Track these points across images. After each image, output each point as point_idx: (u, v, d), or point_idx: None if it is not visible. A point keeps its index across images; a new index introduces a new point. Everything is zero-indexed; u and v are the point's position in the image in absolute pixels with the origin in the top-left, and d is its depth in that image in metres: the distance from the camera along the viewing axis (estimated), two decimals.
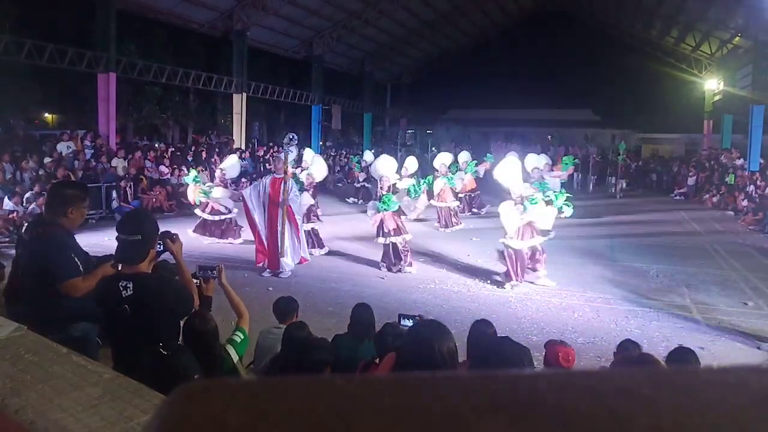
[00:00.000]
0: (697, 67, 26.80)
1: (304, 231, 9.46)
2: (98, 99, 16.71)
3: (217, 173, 11.37)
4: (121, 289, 2.70)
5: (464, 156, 15.36)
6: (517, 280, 8.03)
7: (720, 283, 8.49)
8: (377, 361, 3.47)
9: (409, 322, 3.96)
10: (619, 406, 0.30)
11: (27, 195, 11.51)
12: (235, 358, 3.53)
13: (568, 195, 9.04)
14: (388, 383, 0.34)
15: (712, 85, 26.42)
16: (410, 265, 8.96)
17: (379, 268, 8.96)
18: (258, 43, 22.49)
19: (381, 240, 8.99)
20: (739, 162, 20.41)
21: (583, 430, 0.29)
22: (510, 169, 8.52)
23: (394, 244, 8.92)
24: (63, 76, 18.69)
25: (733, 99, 23.32)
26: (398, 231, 8.95)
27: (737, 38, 21.76)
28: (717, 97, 26.18)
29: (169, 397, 0.32)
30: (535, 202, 8.10)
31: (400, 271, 8.85)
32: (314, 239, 10.20)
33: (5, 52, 14.24)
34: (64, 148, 14.95)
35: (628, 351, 3.97)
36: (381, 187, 9.32)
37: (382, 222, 8.91)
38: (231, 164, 11.43)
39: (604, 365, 5.10)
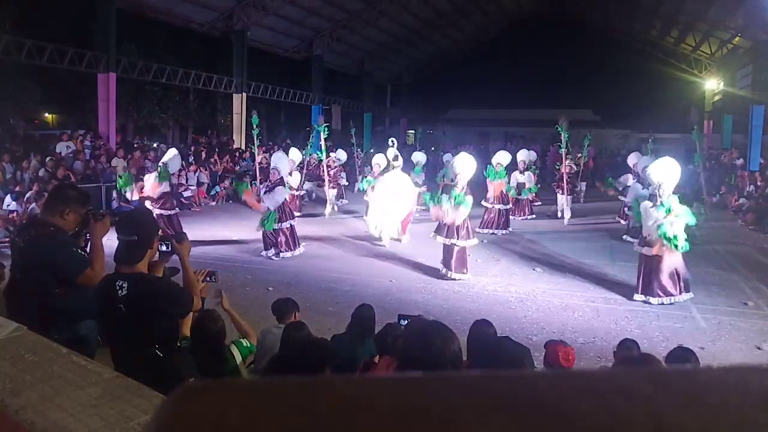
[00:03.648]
0: (697, 67, 26.81)
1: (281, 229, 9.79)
2: (98, 99, 16.71)
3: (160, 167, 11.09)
4: (117, 288, 2.72)
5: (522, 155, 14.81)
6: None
7: (720, 283, 8.49)
8: (377, 360, 3.47)
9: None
10: (619, 406, 0.30)
11: (27, 195, 11.51)
12: (238, 359, 3.54)
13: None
14: (388, 383, 0.34)
15: (712, 85, 26.43)
16: (460, 272, 8.48)
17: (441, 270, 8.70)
18: (258, 43, 22.49)
19: (440, 239, 8.64)
20: (739, 162, 20.42)
21: (583, 430, 0.29)
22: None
23: (449, 246, 8.54)
24: (63, 76, 18.70)
25: (733, 99, 23.34)
26: (456, 234, 8.51)
27: (737, 38, 21.77)
28: (717, 97, 26.19)
29: (169, 398, 0.32)
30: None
31: (443, 277, 8.52)
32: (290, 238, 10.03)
33: (5, 52, 14.24)
34: (63, 148, 14.95)
35: (629, 350, 3.98)
36: (456, 185, 8.78)
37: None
38: (171, 157, 11.28)
39: (604, 365, 5.10)
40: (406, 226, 11.34)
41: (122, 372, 2.06)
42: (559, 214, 14.24)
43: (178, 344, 3.04)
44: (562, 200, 14.29)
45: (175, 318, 2.97)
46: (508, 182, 13.21)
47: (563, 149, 14.02)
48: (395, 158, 13.00)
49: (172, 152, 11.45)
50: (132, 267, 2.79)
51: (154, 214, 9.77)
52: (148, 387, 1.84)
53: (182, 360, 2.95)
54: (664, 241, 7.22)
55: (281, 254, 9.78)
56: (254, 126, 14.13)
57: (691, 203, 10.09)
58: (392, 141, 15.37)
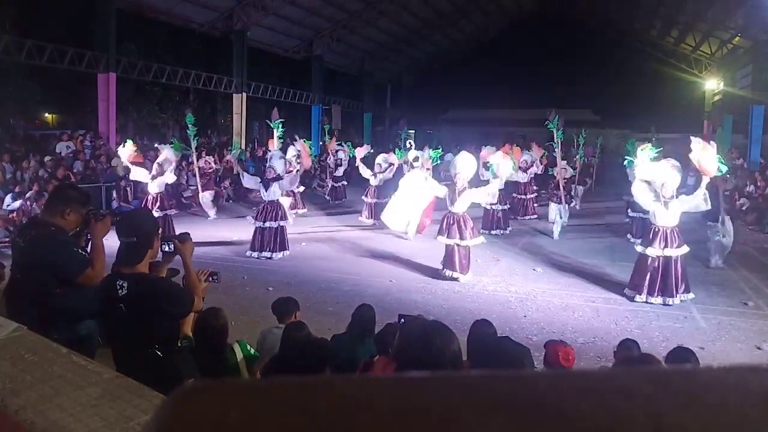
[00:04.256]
0: (697, 67, 26.82)
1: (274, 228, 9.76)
2: (98, 99, 16.72)
3: (155, 167, 11.08)
4: (118, 288, 2.74)
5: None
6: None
7: (720, 283, 8.49)
8: (376, 360, 3.47)
9: None
10: (619, 406, 0.30)
11: (27, 195, 11.51)
12: (239, 356, 3.53)
13: None
14: (388, 383, 0.34)
15: (712, 85, 26.44)
16: (461, 272, 8.47)
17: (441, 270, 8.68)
18: (258, 43, 22.50)
19: (441, 239, 8.64)
20: (739, 162, 20.43)
21: (583, 430, 0.29)
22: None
23: (452, 247, 8.54)
24: (63, 76, 18.72)
25: (733, 99, 23.35)
26: (459, 234, 8.50)
27: (737, 38, 21.79)
28: (717, 97, 26.20)
29: (169, 398, 0.32)
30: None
31: (444, 277, 8.51)
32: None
33: (5, 52, 14.26)
34: (63, 148, 14.97)
35: (629, 350, 3.98)
36: (455, 184, 8.74)
37: (446, 220, 8.63)
38: (166, 157, 11.31)
39: (604, 365, 5.10)
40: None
41: (123, 372, 2.06)
42: (551, 225, 12.15)
43: (179, 344, 3.04)
44: (554, 211, 12.23)
45: (176, 318, 2.97)
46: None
47: (557, 149, 12.21)
48: (415, 159, 13.20)
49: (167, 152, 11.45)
50: (132, 267, 2.80)
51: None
52: (148, 387, 1.84)
53: (182, 360, 2.95)
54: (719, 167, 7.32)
55: (273, 255, 9.72)
56: (189, 125, 12.39)
57: (714, 218, 9.45)
58: (410, 143, 15.55)
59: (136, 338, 2.76)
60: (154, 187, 11.00)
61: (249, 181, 10.63)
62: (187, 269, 3.19)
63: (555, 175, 12.76)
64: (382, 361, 2.97)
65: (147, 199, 11.13)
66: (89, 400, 1.72)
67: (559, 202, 12.24)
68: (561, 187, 12.21)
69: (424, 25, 27.28)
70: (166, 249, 3.14)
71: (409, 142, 15.40)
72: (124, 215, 3.27)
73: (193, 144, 12.32)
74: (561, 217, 11.92)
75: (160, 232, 3.02)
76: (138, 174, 11.13)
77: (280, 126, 12.09)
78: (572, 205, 14.43)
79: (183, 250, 3.17)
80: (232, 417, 0.29)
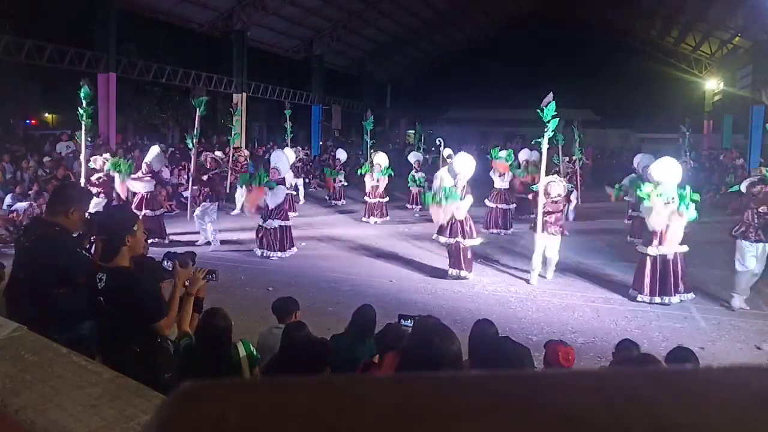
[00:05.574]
0: (697, 67, 26.84)
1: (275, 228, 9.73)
2: (98, 99, 16.71)
3: (143, 167, 10.78)
4: (98, 281, 2.82)
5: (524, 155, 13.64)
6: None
7: (720, 283, 8.47)
8: (376, 360, 3.47)
9: (409, 323, 3.97)
10: (619, 406, 0.30)
11: (31, 195, 11.51)
12: (241, 353, 3.53)
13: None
14: (388, 383, 0.34)
15: (712, 85, 26.46)
16: (467, 271, 8.48)
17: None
18: (258, 43, 22.51)
19: (443, 239, 8.58)
20: (739, 162, 20.43)
21: (583, 430, 0.29)
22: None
23: (454, 246, 8.51)
24: (63, 76, 18.72)
25: (733, 99, 23.38)
26: (459, 233, 8.49)
27: (737, 38, 21.81)
28: (717, 97, 26.23)
29: (169, 398, 0.32)
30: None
31: (453, 277, 8.47)
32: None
33: (5, 52, 14.26)
34: (63, 148, 14.98)
35: (628, 351, 3.97)
36: (455, 186, 8.55)
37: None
38: (154, 156, 11.07)
39: (604, 365, 5.10)
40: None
41: (108, 365, 2.08)
42: (531, 275, 8.39)
43: (158, 340, 3.03)
44: (540, 244, 8.22)
45: (145, 315, 2.94)
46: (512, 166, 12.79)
47: (543, 148, 8.41)
48: (449, 156, 13.43)
49: (155, 150, 11.28)
50: (110, 262, 2.88)
51: (140, 215, 9.50)
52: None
53: (162, 357, 2.95)
54: (679, 203, 7.09)
55: (273, 254, 9.68)
56: (82, 115, 9.51)
57: None
58: (439, 140, 15.63)
59: (116, 332, 2.83)
60: (140, 187, 10.75)
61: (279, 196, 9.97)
62: (172, 292, 3.17)
63: (530, 195, 9.36)
64: (391, 358, 2.97)
65: (137, 200, 10.71)
66: (89, 400, 1.72)
67: (557, 233, 8.32)
68: (540, 214, 8.20)
69: (424, 25, 27.27)
70: (165, 264, 3.19)
71: (439, 140, 15.46)
72: (96, 215, 3.35)
73: (82, 131, 9.81)
74: (550, 253, 8.39)
75: (137, 225, 3.01)
76: (137, 188, 10.73)
77: (203, 105, 11.69)
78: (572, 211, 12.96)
79: (178, 274, 3.18)
80: (232, 417, 0.29)
